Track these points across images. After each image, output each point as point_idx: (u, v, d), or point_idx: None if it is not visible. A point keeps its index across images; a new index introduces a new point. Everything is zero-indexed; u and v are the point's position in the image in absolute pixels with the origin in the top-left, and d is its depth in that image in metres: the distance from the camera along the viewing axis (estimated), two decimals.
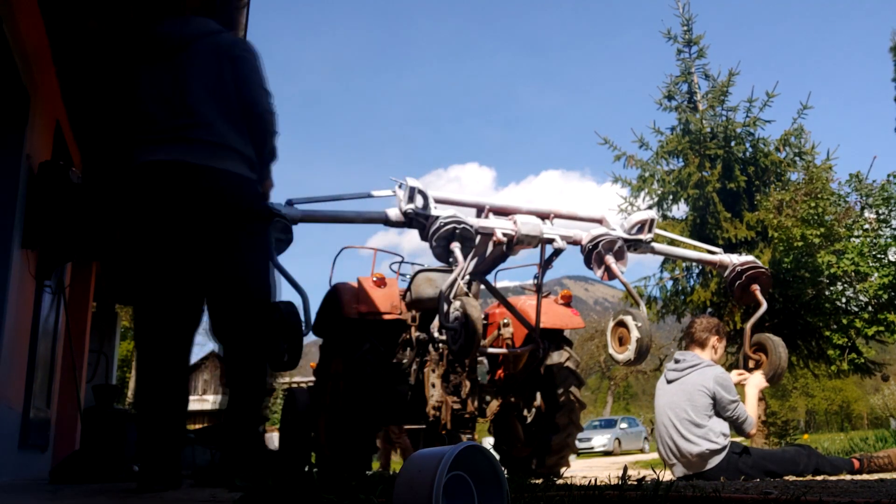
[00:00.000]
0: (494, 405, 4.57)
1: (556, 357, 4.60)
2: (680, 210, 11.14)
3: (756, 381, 3.93)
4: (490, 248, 3.86)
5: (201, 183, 2.54)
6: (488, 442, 6.04)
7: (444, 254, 3.52)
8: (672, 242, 5.57)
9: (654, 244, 4.25)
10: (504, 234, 3.71)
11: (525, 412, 4.75)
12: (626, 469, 2.11)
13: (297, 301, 3.36)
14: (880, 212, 9.30)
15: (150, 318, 2.60)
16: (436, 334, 4.45)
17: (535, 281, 4.30)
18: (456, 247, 3.48)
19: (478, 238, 3.69)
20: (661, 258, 10.11)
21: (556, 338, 4.63)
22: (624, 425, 24.46)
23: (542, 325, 4.40)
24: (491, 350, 4.57)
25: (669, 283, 11.09)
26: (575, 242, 4.05)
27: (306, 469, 4.55)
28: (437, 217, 3.51)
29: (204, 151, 2.56)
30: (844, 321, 9.28)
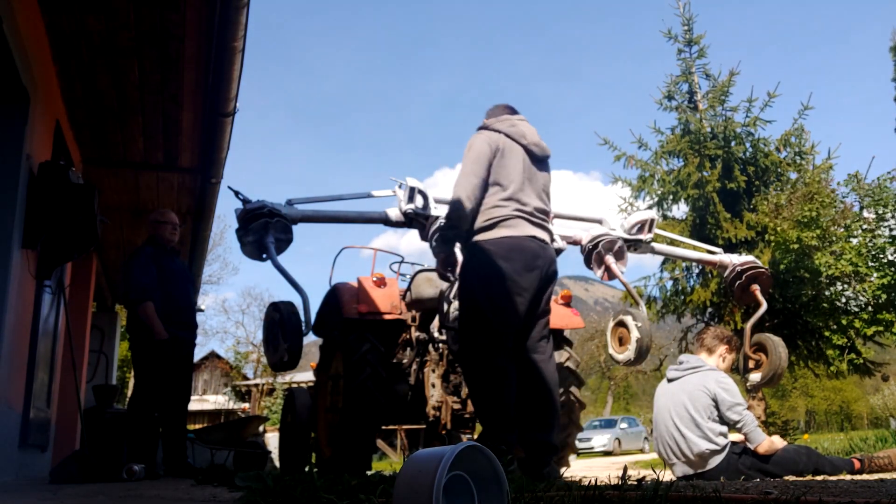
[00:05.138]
0: None
1: (556, 357, 4.59)
2: (680, 210, 11.14)
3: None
4: None
5: None
6: None
7: None
8: (672, 242, 5.58)
9: (654, 244, 4.25)
10: None
11: None
12: (626, 469, 2.11)
13: (297, 301, 3.36)
14: (879, 211, 9.30)
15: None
16: (436, 334, 4.45)
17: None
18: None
19: None
20: (661, 258, 10.11)
21: (556, 338, 4.63)
22: (624, 425, 24.44)
23: None
24: None
25: (669, 283, 11.08)
26: (575, 242, 4.06)
27: (306, 469, 4.55)
28: (438, 217, 3.52)
29: None
30: (844, 321, 9.28)
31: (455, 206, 3.11)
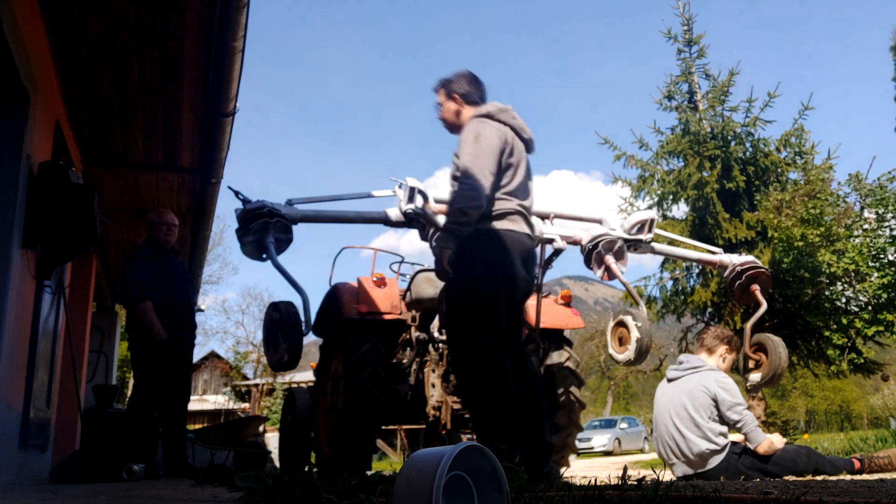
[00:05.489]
0: None
1: (556, 357, 4.59)
2: (680, 210, 11.14)
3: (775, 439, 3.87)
4: None
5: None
6: None
7: None
8: (672, 242, 5.57)
9: (654, 244, 4.25)
10: None
11: None
12: (626, 469, 2.11)
13: (297, 301, 3.36)
14: (879, 212, 9.30)
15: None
16: (436, 334, 4.44)
17: (536, 281, 4.31)
18: None
19: None
20: (661, 258, 10.11)
21: (556, 338, 4.63)
22: (624, 425, 24.45)
23: (542, 325, 4.40)
24: None
25: (669, 283, 11.08)
26: (575, 242, 4.06)
27: (306, 469, 4.55)
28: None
29: None
30: (844, 321, 9.28)
31: (473, 200, 2.94)
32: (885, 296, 8.84)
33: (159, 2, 3.96)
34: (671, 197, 10.77)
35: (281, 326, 3.31)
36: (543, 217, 3.99)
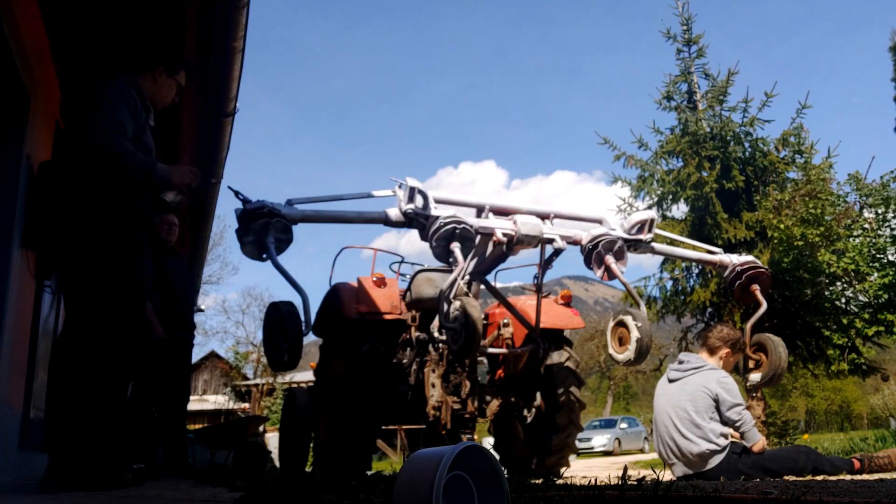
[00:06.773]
0: (494, 405, 4.57)
1: (556, 357, 4.60)
2: (679, 210, 11.13)
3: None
4: (490, 248, 3.86)
5: None
6: (488, 442, 6.05)
7: (444, 254, 3.52)
8: (672, 242, 5.57)
9: (653, 244, 4.25)
10: (504, 234, 3.71)
11: (525, 412, 4.76)
12: (626, 469, 2.11)
13: (297, 301, 3.36)
14: (879, 212, 9.30)
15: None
16: (436, 334, 4.45)
17: (535, 281, 4.31)
18: (456, 247, 3.48)
19: (478, 238, 3.69)
20: (661, 258, 10.10)
21: (556, 338, 4.63)
22: (624, 425, 24.46)
23: (542, 325, 4.41)
24: (491, 350, 4.58)
25: (669, 284, 11.08)
26: (575, 242, 4.06)
27: (306, 469, 4.56)
28: (437, 217, 3.51)
29: None
30: (844, 321, 9.28)
31: None
32: (885, 296, 8.83)
33: (159, 2, 3.96)
34: (671, 197, 10.76)
35: (281, 326, 3.31)
36: (543, 217, 3.99)
